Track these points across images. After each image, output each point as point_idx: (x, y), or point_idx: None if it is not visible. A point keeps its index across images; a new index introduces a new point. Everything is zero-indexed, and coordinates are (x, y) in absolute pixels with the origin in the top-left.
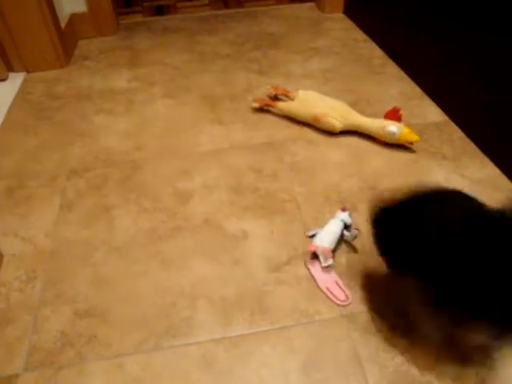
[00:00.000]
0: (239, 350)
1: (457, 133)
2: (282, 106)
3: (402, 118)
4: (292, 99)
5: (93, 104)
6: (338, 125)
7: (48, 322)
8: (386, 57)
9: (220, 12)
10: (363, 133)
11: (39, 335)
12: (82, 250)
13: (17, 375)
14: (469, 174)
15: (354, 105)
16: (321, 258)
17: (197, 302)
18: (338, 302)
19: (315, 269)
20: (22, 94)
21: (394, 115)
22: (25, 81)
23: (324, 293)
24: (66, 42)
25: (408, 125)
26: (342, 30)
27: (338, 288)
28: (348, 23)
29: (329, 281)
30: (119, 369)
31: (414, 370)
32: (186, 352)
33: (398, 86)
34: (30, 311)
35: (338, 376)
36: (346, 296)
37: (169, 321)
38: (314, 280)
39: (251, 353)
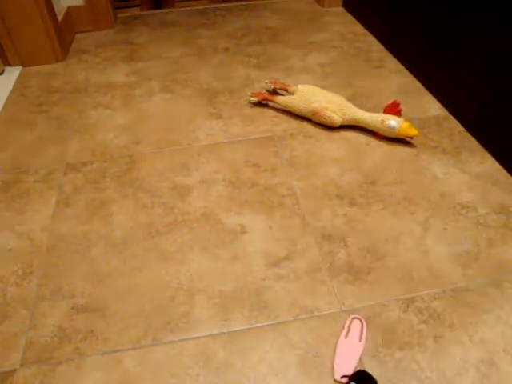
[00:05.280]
0: (238, 346)
1: (457, 127)
2: (281, 100)
3: (402, 112)
4: (291, 93)
5: (90, 98)
6: (337, 119)
7: (45, 317)
8: (386, 51)
9: (219, 5)
10: (363, 127)
11: (36, 330)
12: (79, 245)
13: (14, 371)
14: (469, 168)
15: (353, 99)
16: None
17: (195, 297)
18: (336, 372)
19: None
20: (18, 88)
21: (393, 109)
22: (21, 75)
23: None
24: (63, 35)
25: (407, 119)
26: (341, 24)
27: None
28: (347, 17)
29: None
30: (117, 364)
31: (414, 365)
32: (184, 347)
33: (397, 79)
34: (26, 306)
35: None
36: (346, 376)
37: (167, 316)
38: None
39: (250, 348)
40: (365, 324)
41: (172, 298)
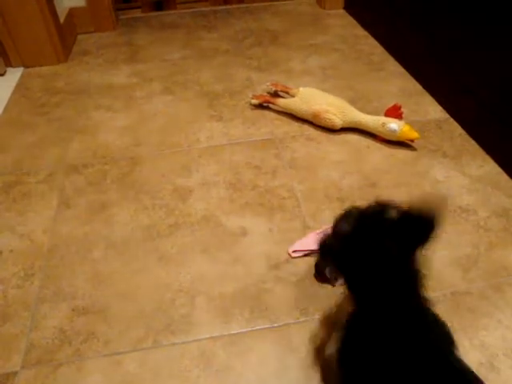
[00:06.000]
0: (238, 348)
1: (457, 130)
2: (282, 102)
3: (403, 115)
4: (292, 96)
5: (91, 100)
6: (338, 122)
7: (46, 319)
8: (387, 53)
9: (220, 8)
10: (363, 130)
11: (37, 332)
12: (80, 247)
13: (15, 373)
14: (469, 171)
15: (354, 102)
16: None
17: (196, 299)
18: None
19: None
20: (19, 89)
21: (394, 112)
22: (23, 76)
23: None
24: (65, 36)
25: (408, 122)
26: (343, 27)
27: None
28: (348, 19)
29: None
30: (117, 366)
31: None
32: (184, 349)
33: (398, 82)
34: (27, 308)
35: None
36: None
37: (167, 318)
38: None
39: (250, 350)
40: None
41: (173, 300)
